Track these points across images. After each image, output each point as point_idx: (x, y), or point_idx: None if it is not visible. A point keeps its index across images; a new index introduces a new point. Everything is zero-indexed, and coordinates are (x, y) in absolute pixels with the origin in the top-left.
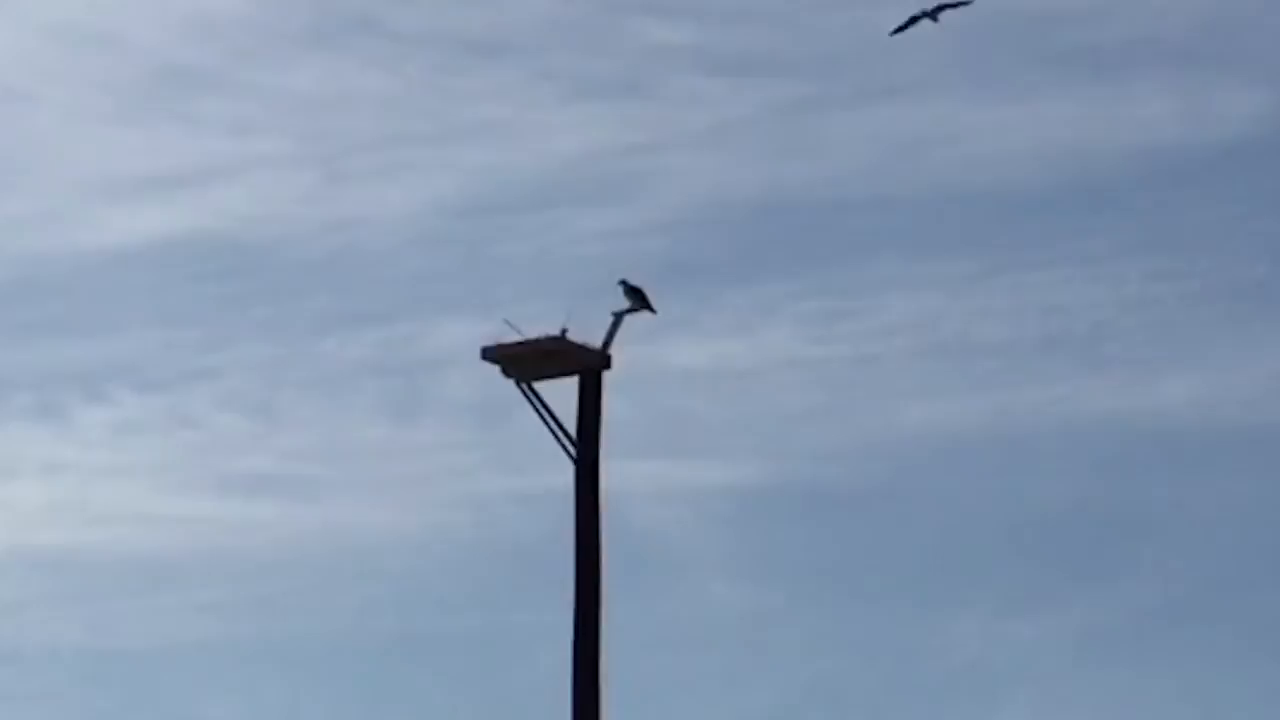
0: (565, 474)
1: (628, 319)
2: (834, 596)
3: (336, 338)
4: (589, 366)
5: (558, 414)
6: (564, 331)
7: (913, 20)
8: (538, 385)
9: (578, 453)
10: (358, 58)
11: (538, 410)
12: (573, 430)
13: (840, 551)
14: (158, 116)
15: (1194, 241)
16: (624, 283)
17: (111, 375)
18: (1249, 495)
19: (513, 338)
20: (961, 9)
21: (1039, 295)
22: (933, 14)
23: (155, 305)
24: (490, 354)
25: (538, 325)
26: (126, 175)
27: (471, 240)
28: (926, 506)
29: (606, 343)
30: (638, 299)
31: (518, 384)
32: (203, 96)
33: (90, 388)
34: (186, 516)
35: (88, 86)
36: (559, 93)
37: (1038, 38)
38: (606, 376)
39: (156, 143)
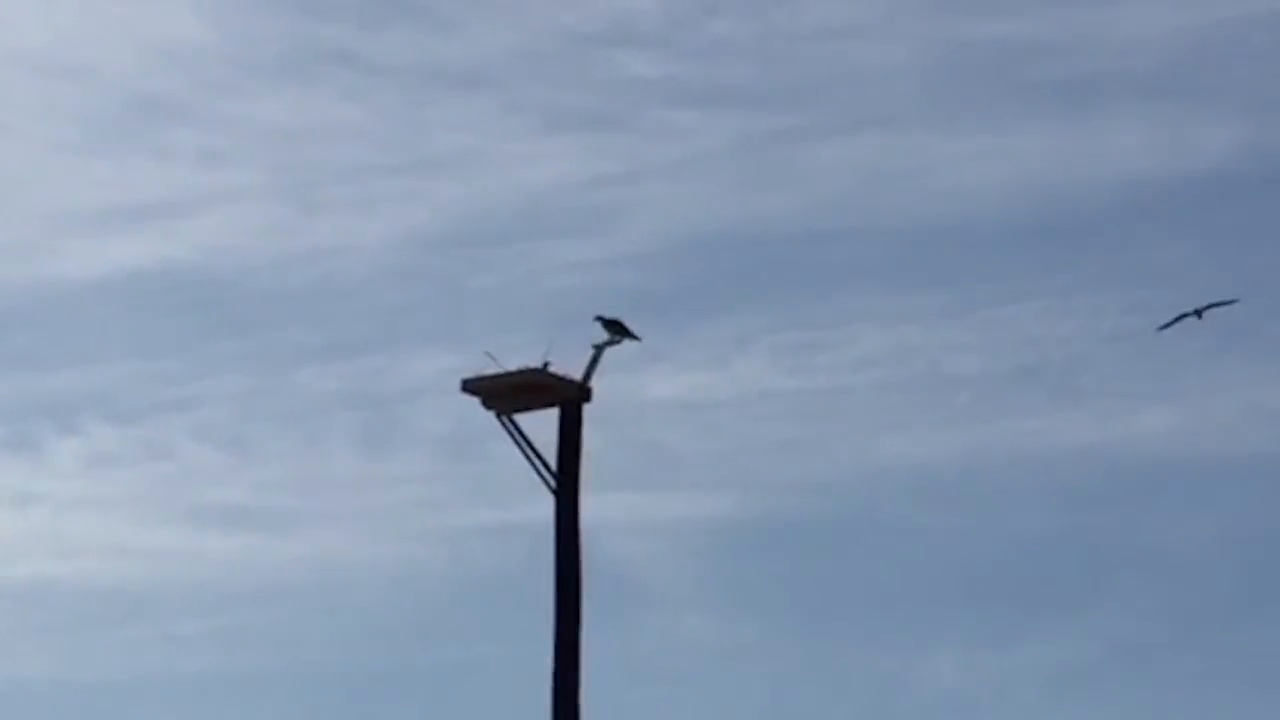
0: (538, 506)
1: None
2: (808, 628)
3: (310, 369)
4: (569, 398)
5: (536, 446)
6: (546, 364)
7: (1180, 317)
8: (517, 417)
9: (558, 484)
10: (330, 89)
11: (518, 442)
12: (552, 461)
13: (815, 584)
14: (129, 148)
15: (1169, 274)
16: (600, 318)
17: (84, 407)
18: (1225, 527)
19: (492, 369)
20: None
21: (1013, 328)
22: (1198, 312)
23: (127, 336)
24: (471, 386)
25: (512, 357)
26: (98, 206)
27: (445, 272)
28: (901, 539)
29: (587, 375)
30: (617, 330)
31: (498, 416)
32: (174, 127)
33: (62, 419)
34: (159, 548)
35: (59, 118)
36: (532, 124)
37: (1012, 70)
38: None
39: (128, 174)
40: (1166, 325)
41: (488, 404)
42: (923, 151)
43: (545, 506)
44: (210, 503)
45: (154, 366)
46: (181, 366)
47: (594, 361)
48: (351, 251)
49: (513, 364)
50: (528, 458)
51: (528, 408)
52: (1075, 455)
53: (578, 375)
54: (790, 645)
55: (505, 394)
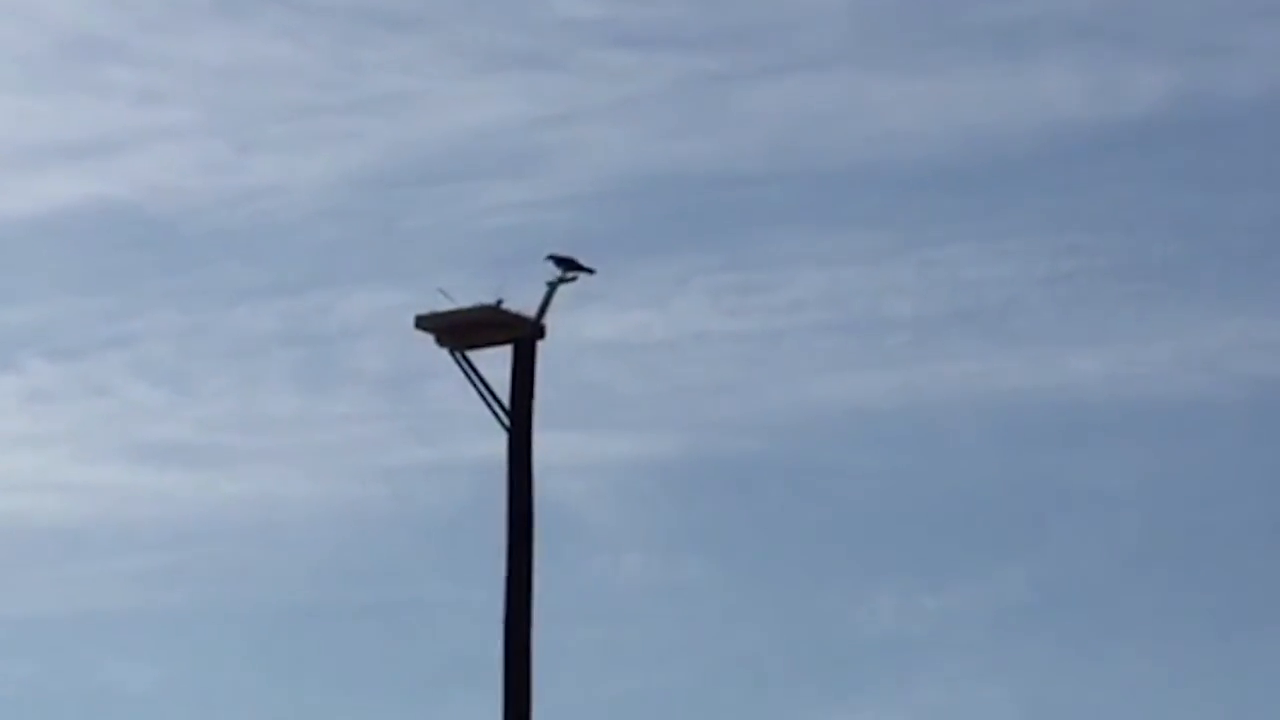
0: (480, 444)
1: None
2: (747, 569)
3: (249, 307)
4: (523, 336)
5: (485, 384)
6: (499, 301)
7: None
8: (468, 355)
9: (511, 421)
10: (267, 28)
11: (471, 379)
12: (505, 399)
13: (753, 525)
14: (66, 86)
15: (1104, 218)
16: (553, 256)
17: (22, 344)
18: (1159, 470)
19: (446, 306)
20: None
21: (949, 271)
22: None
23: (65, 274)
24: (425, 323)
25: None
26: (35, 144)
27: (382, 211)
28: (840, 480)
29: (541, 312)
30: (571, 266)
31: (451, 353)
32: (111, 66)
33: (1, 356)
34: (99, 485)
35: None
36: (469, 65)
37: (947, 14)
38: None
39: (65, 112)
40: None
41: (441, 341)
42: (858, 94)
43: (488, 445)
44: (150, 439)
45: (92, 303)
46: (120, 303)
47: (548, 299)
48: (289, 190)
49: (451, 303)
50: (481, 395)
51: (482, 345)
52: (1011, 398)
53: (520, 313)
54: (729, 586)
55: (460, 331)
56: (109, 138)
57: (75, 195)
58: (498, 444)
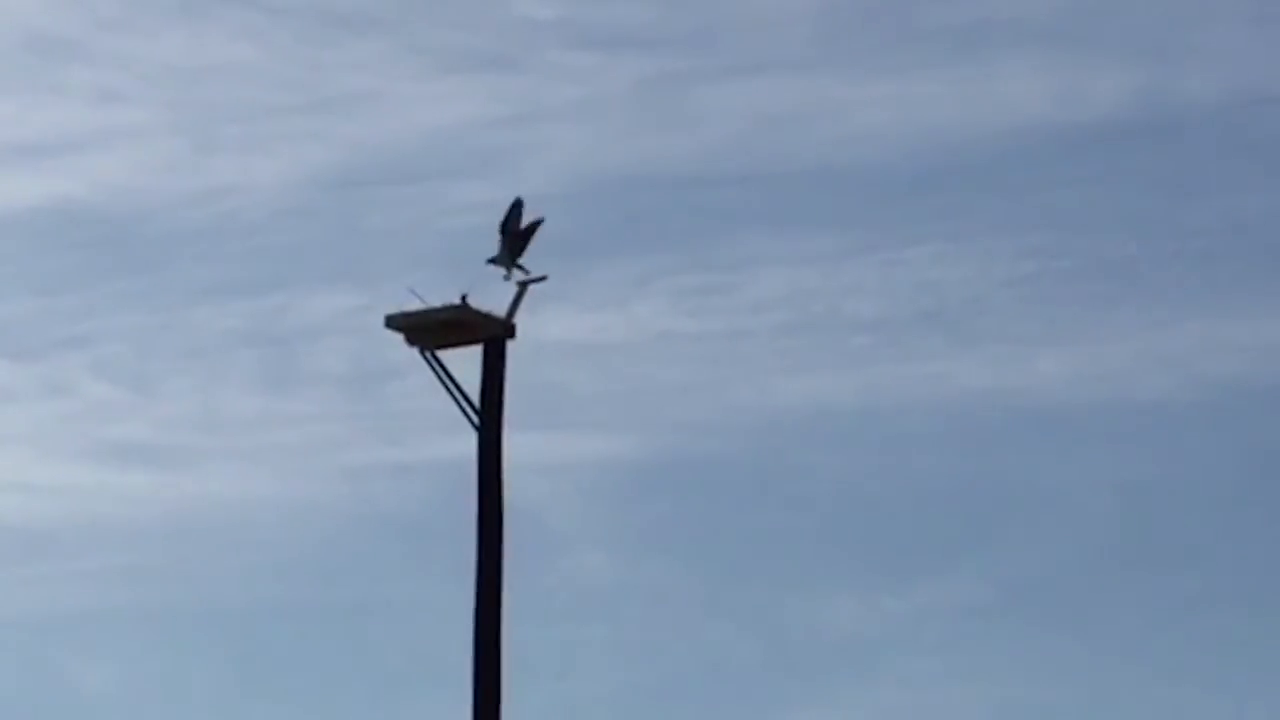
0: (444, 445)
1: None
2: (708, 570)
3: (210, 307)
4: (494, 335)
5: (455, 383)
6: (464, 298)
7: None
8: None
9: (481, 421)
10: (227, 28)
11: (441, 379)
12: (474, 398)
13: (715, 526)
14: (25, 86)
15: (1065, 220)
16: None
17: None
18: (1121, 470)
19: (414, 305)
20: None
21: (911, 272)
22: None
23: (26, 274)
24: (395, 322)
25: (410, 296)
26: None
27: (343, 212)
28: (802, 481)
29: (511, 312)
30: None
31: (422, 352)
32: (70, 66)
33: None
34: (60, 485)
35: None
36: (429, 66)
37: (907, 16)
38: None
39: (24, 112)
40: None
41: (411, 340)
42: (820, 96)
43: (453, 444)
44: (110, 439)
45: (53, 303)
46: (80, 303)
47: (518, 298)
48: (249, 190)
49: (415, 303)
50: (451, 394)
51: (453, 344)
52: (973, 398)
53: (490, 313)
54: (691, 586)
55: (431, 330)
56: (68, 138)
57: (35, 195)
58: (462, 443)
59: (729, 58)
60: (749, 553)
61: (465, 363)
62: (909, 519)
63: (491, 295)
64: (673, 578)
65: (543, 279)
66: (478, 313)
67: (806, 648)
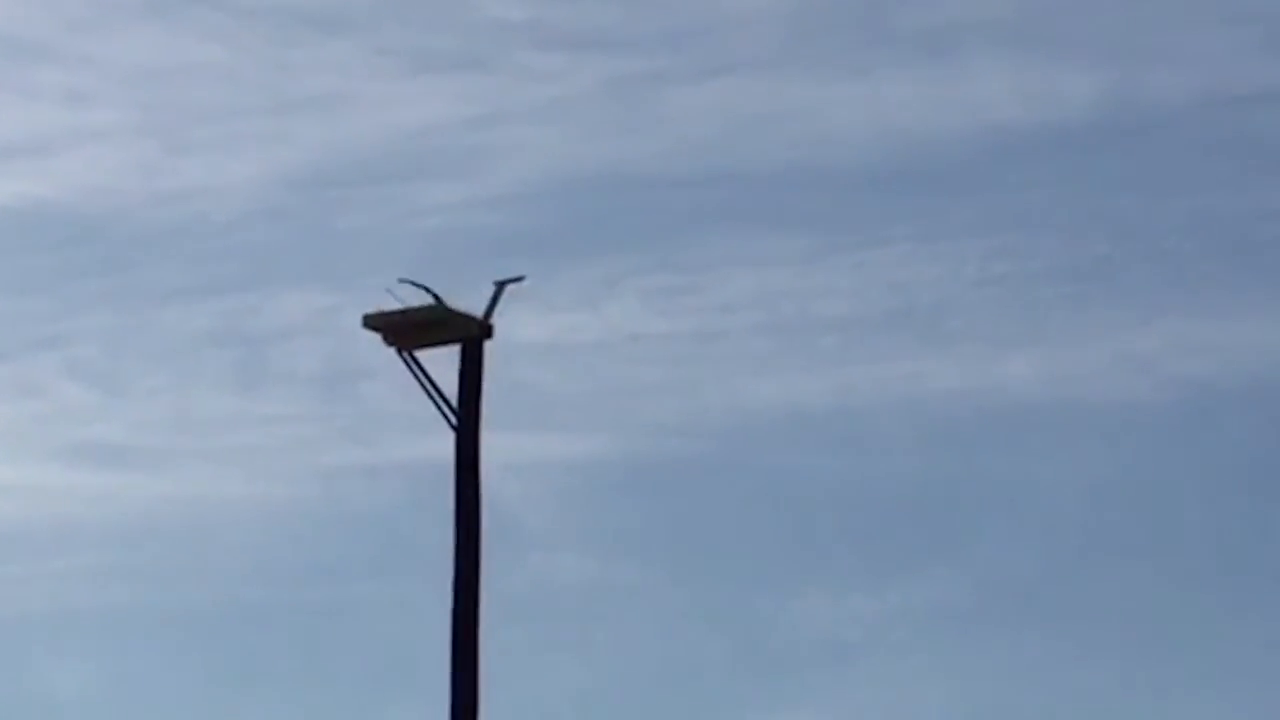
0: (417, 446)
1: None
2: (681, 572)
3: (180, 308)
4: (471, 335)
5: (432, 383)
6: (436, 297)
7: None
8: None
9: (459, 421)
10: (195, 29)
11: (419, 379)
12: (452, 399)
13: (687, 527)
14: None
15: (1035, 220)
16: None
17: None
18: (1094, 472)
19: (392, 305)
20: None
21: (881, 272)
22: None
23: None
24: (373, 322)
25: (383, 297)
26: None
27: (313, 213)
28: (774, 482)
29: (489, 311)
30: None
31: (399, 352)
32: (38, 67)
33: None
34: (31, 486)
35: None
36: (398, 67)
37: (876, 17)
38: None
39: None
40: None
41: (389, 340)
42: (790, 96)
43: (427, 445)
44: (82, 441)
45: (22, 305)
46: (50, 304)
47: (495, 298)
48: (220, 191)
49: (388, 304)
50: (429, 394)
51: (431, 344)
52: (944, 399)
53: (468, 313)
54: (664, 588)
55: (409, 330)
56: (37, 139)
57: (3, 196)
58: (437, 444)
59: (699, 58)
60: (721, 554)
61: (440, 363)
62: (881, 519)
63: (464, 296)
64: (645, 579)
65: (520, 279)
66: (456, 312)
67: (780, 648)
